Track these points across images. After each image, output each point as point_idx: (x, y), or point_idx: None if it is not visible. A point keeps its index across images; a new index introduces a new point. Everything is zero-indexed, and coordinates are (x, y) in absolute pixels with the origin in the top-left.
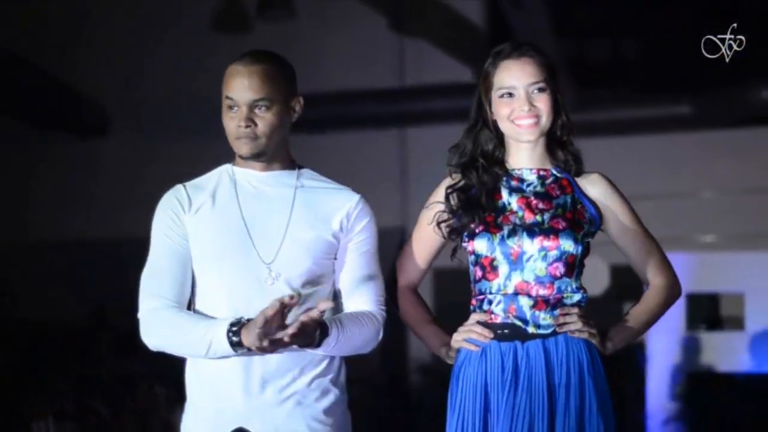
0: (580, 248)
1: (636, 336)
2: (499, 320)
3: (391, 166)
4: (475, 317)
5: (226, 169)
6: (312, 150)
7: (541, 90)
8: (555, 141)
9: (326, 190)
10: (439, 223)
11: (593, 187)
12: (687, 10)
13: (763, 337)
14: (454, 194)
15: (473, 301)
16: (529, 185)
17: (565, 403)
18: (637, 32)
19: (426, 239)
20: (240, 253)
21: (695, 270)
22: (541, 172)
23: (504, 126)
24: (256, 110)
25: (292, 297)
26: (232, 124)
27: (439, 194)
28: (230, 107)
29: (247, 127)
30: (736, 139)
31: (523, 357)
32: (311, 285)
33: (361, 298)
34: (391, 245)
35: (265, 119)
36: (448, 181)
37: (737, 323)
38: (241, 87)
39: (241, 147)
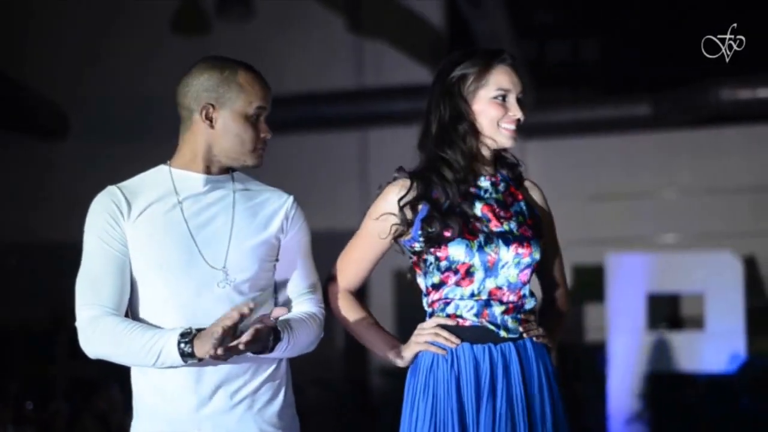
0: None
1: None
2: (468, 324)
3: (351, 167)
4: (437, 320)
5: (161, 171)
6: (271, 152)
7: (522, 100)
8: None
9: (261, 192)
10: (397, 237)
11: (534, 194)
12: (647, 12)
13: (723, 337)
14: (419, 206)
15: (433, 304)
16: (485, 192)
17: (541, 407)
18: (597, 33)
19: (374, 248)
20: (186, 259)
21: (656, 270)
22: (493, 179)
23: (488, 127)
24: (264, 120)
25: (250, 308)
26: (254, 133)
27: (389, 205)
28: (257, 116)
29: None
30: (696, 139)
31: (498, 358)
32: (257, 289)
33: (304, 299)
34: None
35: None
36: (395, 191)
37: (697, 323)
38: (269, 96)
39: (259, 158)
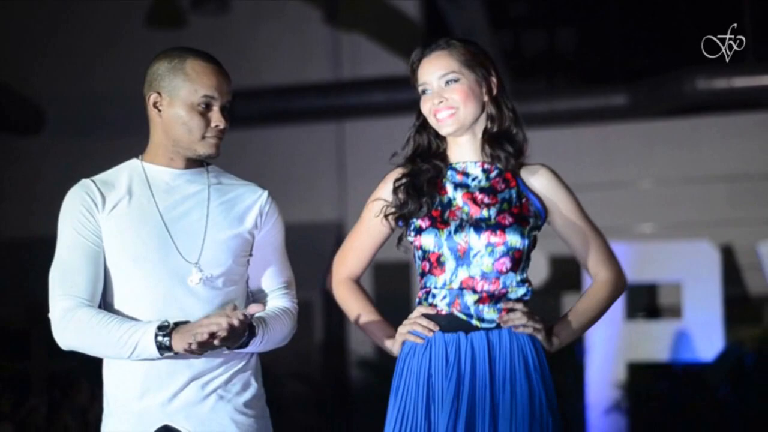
0: (526, 243)
1: (582, 331)
2: (443, 313)
3: (328, 160)
4: (420, 310)
5: (134, 165)
6: (249, 145)
7: (453, 81)
8: (497, 133)
9: (236, 186)
10: (386, 216)
11: (537, 179)
12: (623, 2)
13: (701, 326)
14: (402, 187)
15: (419, 294)
16: (474, 179)
17: (511, 398)
18: (573, 24)
19: (371, 233)
20: (161, 252)
21: (633, 259)
22: (486, 165)
23: (430, 121)
24: (224, 111)
25: (240, 319)
26: (203, 122)
27: (385, 189)
28: (207, 105)
29: (224, 126)
30: (673, 128)
31: (467, 347)
32: (231, 283)
33: (278, 294)
34: (329, 238)
35: (227, 120)
36: (394, 175)
37: (675, 312)
38: (223, 86)
39: (211, 147)
